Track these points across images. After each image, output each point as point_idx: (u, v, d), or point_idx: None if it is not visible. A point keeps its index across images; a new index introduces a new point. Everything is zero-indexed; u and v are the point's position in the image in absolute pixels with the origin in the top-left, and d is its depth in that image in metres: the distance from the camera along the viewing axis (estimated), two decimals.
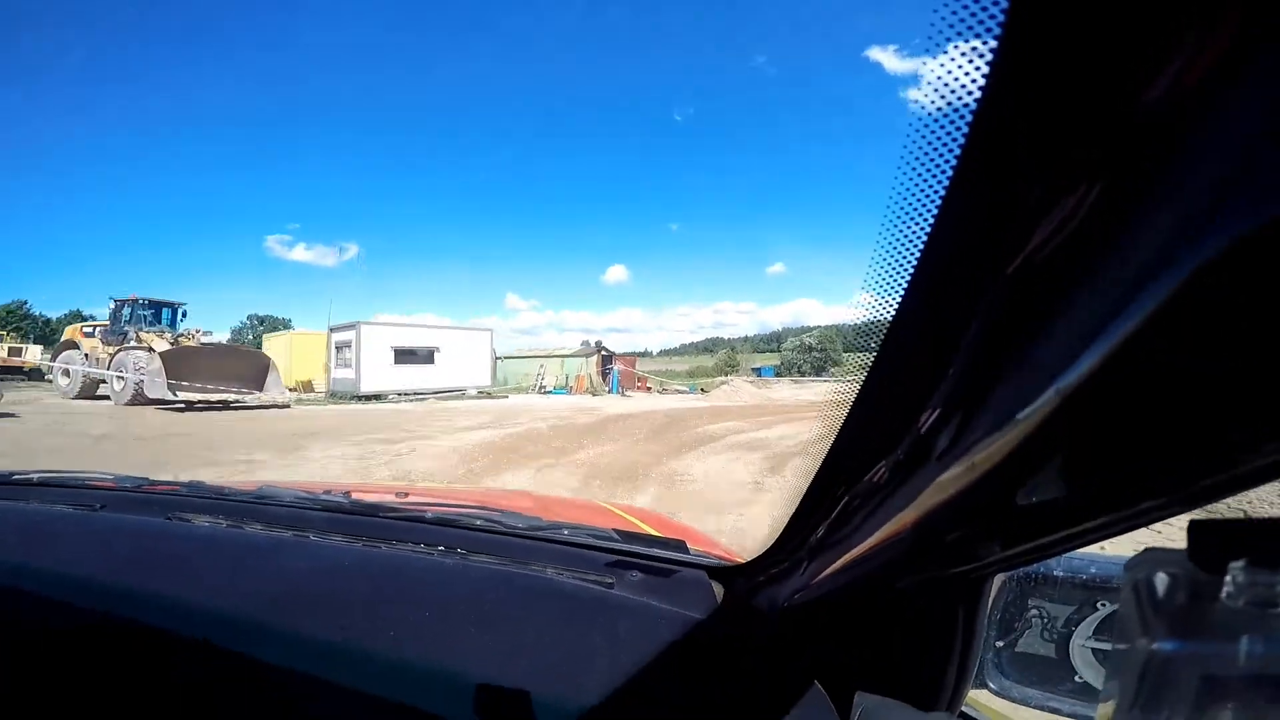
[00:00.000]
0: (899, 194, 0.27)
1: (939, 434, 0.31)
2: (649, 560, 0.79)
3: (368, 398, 20.28)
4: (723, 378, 34.60)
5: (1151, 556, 0.26)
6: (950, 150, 0.24)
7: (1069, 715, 0.53)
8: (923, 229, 0.27)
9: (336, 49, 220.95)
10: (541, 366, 29.18)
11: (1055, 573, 0.55)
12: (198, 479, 1.19)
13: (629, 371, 30.87)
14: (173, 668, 0.57)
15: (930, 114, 0.24)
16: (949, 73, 0.23)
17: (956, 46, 0.22)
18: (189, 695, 0.54)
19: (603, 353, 30.87)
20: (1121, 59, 0.19)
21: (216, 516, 0.94)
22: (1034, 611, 0.55)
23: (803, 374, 39.91)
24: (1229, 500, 0.23)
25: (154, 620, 0.62)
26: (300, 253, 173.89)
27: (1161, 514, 0.23)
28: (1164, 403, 0.21)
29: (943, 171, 0.25)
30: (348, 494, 1.10)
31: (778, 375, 38.28)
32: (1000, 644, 0.56)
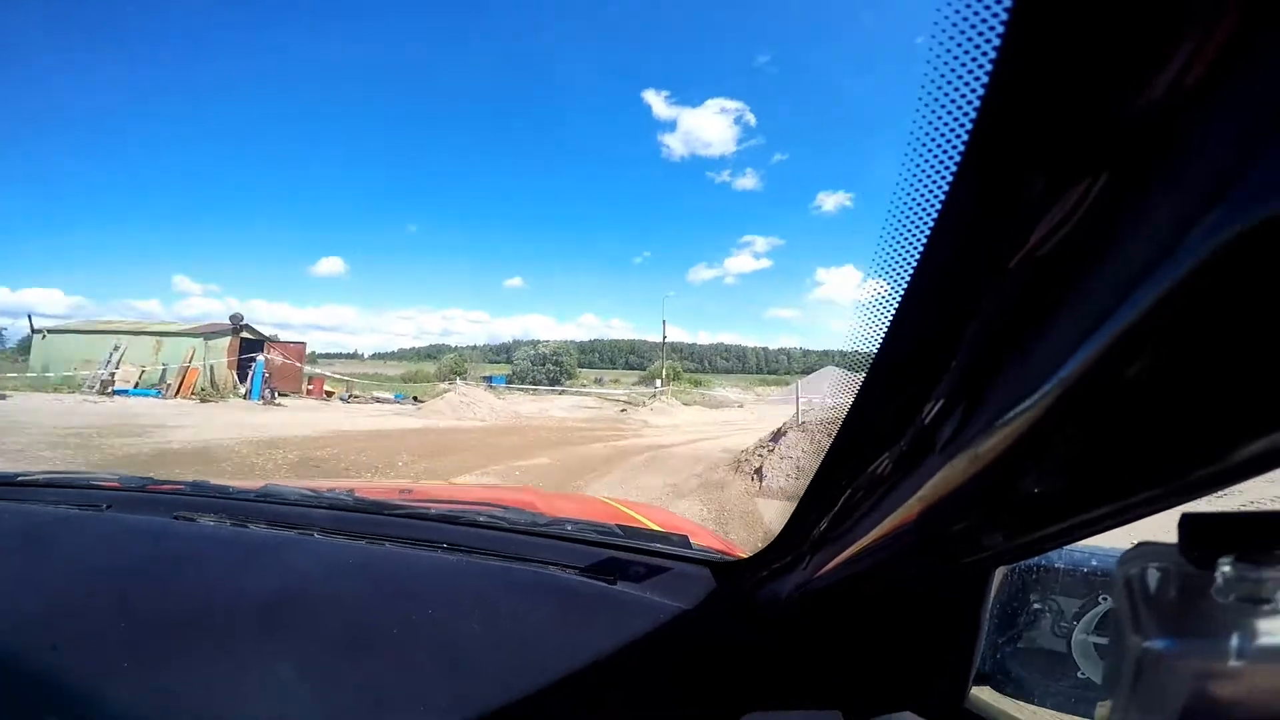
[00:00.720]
0: (902, 187, 0.27)
1: (942, 425, 0.31)
2: (652, 556, 0.79)
3: None
4: (447, 384, 25.08)
5: (1143, 551, 0.27)
6: (953, 145, 0.24)
7: (1071, 710, 0.53)
8: (925, 223, 0.27)
9: None
10: (117, 349, 17.27)
11: (1057, 565, 0.55)
12: (201, 478, 1.20)
13: (292, 366, 20.24)
14: (180, 666, 0.56)
15: (933, 108, 0.24)
16: (951, 69, 0.23)
17: (953, 44, 0.22)
18: (196, 692, 0.53)
19: (244, 335, 19.48)
20: (1123, 55, 0.19)
21: (221, 515, 0.94)
22: (1036, 605, 0.55)
23: (536, 384, 36.21)
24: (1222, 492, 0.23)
25: (161, 619, 0.62)
26: None
27: (1161, 505, 0.24)
28: (1164, 394, 0.21)
29: (945, 166, 0.25)
30: (351, 492, 1.10)
31: (509, 384, 33.73)
32: (1002, 638, 0.55)
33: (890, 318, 0.31)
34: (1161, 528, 0.26)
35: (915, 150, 0.26)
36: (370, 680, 0.54)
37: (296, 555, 0.77)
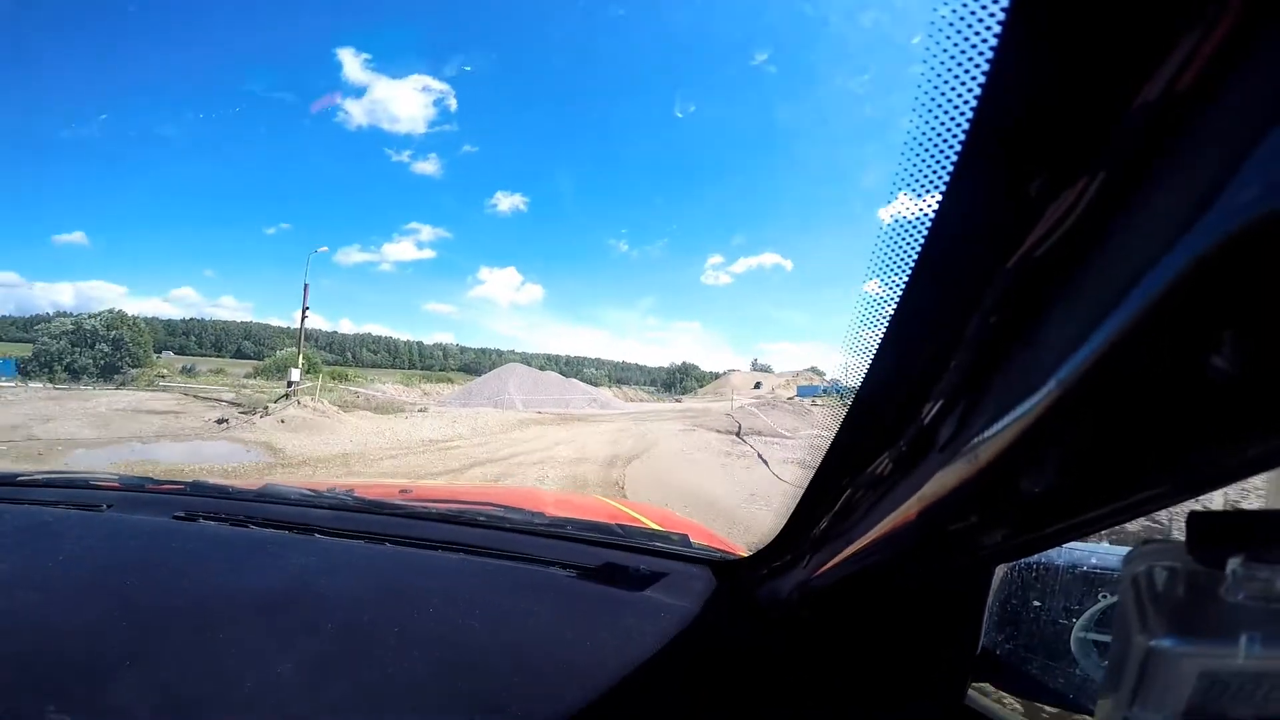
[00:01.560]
0: (900, 187, 0.28)
1: (942, 425, 0.31)
2: (653, 555, 0.80)
3: None
4: None
5: (1150, 550, 0.27)
6: (951, 145, 0.25)
7: (1069, 707, 0.53)
8: (924, 222, 0.27)
9: None
10: None
11: (1056, 563, 0.55)
12: (201, 479, 1.19)
13: None
14: (181, 664, 0.56)
15: (932, 109, 0.24)
16: (948, 69, 0.23)
17: (954, 38, 0.22)
18: (197, 689, 0.53)
19: None
20: (1121, 55, 0.19)
21: (221, 516, 0.94)
22: (1036, 603, 0.55)
23: (76, 375, 25.93)
24: (1226, 491, 0.23)
25: (162, 620, 0.62)
26: None
27: (1161, 504, 0.24)
28: (1162, 393, 0.21)
29: (943, 165, 0.25)
30: (352, 491, 1.11)
31: (25, 374, 24.52)
32: (1002, 635, 0.55)
33: (889, 318, 0.31)
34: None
35: (911, 147, 0.26)
36: (370, 678, 0.55)
37: (297, 555, 0.77)
